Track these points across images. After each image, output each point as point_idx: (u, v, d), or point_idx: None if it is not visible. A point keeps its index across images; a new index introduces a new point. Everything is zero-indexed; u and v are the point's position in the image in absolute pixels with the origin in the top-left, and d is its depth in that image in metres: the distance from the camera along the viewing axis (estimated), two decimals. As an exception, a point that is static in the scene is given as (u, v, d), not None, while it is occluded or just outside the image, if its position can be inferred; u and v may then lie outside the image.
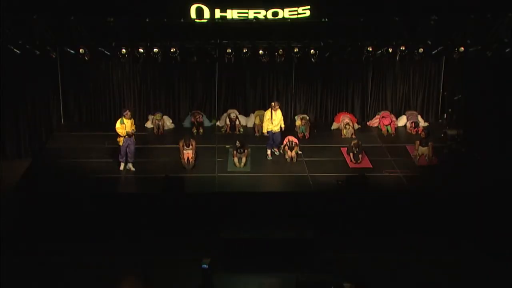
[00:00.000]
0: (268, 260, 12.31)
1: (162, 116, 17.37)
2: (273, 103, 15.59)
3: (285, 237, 12.72)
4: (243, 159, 15.07)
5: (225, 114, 17.72)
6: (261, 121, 17.38)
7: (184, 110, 18.03)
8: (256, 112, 17.71)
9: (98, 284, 11.66)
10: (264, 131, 15.87)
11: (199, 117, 17.48)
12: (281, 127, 15.55)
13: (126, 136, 14.50)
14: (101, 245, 12.76)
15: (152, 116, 17.46)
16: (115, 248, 12.74)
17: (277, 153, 15.74)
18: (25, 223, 13.10)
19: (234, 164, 15.05)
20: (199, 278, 10.15)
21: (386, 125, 17.38)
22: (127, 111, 14.62)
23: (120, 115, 14.82)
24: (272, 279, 11.81)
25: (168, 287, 11.58)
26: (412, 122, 17.47)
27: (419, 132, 16.42)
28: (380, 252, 12.75)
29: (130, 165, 14.83)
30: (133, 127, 14.72)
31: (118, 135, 14.55)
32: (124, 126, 14.43)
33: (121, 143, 14.58)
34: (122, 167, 14.80)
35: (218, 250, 12.38)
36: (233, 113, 17.46)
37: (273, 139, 15.58)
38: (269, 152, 15.60)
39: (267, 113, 15.52)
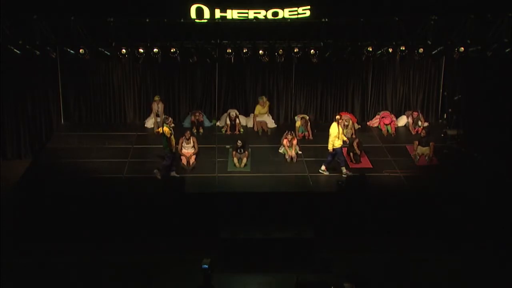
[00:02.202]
0: (268, 260, 12.31)
1: (160, 99, 17.27)
2: (338, 116, 14.83)
3: (285, 237, 12.72)
4: (244, 160, 15.07)
5: (225, 114, 17.72)
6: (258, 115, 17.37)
7: (184, 110, 18.03)
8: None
9: (98, 284, 11.66)
10: (330, 148, 14.51)
11: (200, 116, 17.46)
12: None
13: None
14: (101, 245, 12.76)
15: (151, 118, 17.44)
16: (115, 248, 12.74)
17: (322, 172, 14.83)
18: (25, 223, 13.09)
19: (234, 165, 15.05)
20: (199, 278, 10.14)
21: (386, 125, 17.38)
22: (170, 119, 14.82)
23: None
24: (272, 279, 11.81)
25: (168, 287, 11.58)
26: (413, 112, 17.43)
27: (419, 132, 16.42)
28: (380, 252, 12.76)
29: (174, 173, 14.47)
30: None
31: (170, 143, 14.10)
32: (172, 132, 14.24)
33: (174, 150, 14.27)
34: (173, 174, 14.40)
35: (218, 250, 12.38)
36: (233, 112, 17.45)
37: (337, 155, 14.58)
38: (324, 167, 14.75)
39: (334, 128, 14.43)
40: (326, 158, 14.76)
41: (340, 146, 14.53)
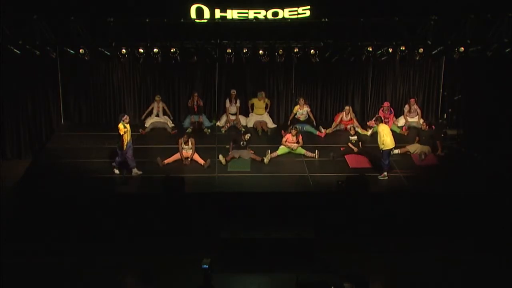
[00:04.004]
0: (268, 260, 12.31)
1: (161, 98, 17.32)
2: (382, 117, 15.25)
3: (285, 237, 12.72)
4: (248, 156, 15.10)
5: (224, 115, 17.70)
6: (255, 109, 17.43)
7: (184, 110, 18.02)
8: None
9: (98, 284, 11.66)
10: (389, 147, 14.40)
11: (199, 100, 17.30)
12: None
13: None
14: (101, 245, 12.76)
15: (151, 118, 17.44)
16: (115, 248, 12.74)
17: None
18: (25, 223, 13.09)
19: (220, 162, 15.00)
20: (199, 278, 10.14)
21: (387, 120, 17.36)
22: (126, 115, 14.40)
23: (118, 117, 14.86)
24: (272, 279, 11.80)
25: (168, 287, 11.58)
26: (410, 100, 17.48)
27: (422, 124, 16.48)
28: (380, 252, 12.76)
29: (136, 170, 14.53)
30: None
31: (122, 140, 14.16)
32: (127, 131, 14.24)
33: (124, 148, 14.25)
34: (116, 171, 14.50)
35: (218, 250, 12.38)
36: (233, 91, 17.39)
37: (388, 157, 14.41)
38: (385, 172, 14.47)
39: (387, 128, 14.55)
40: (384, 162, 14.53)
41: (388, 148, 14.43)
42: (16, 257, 12.23)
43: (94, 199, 13.50)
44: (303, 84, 18.06)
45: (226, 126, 17.39)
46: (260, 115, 17.66)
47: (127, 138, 14.21)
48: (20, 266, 11.99)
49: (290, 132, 15.69)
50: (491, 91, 15.84)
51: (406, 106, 17.67)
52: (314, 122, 17.37)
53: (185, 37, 14.67)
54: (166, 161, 15.00)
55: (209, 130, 17.22)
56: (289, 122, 17.42)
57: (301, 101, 17.29)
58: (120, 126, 14.09)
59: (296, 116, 17.44)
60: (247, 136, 15.31)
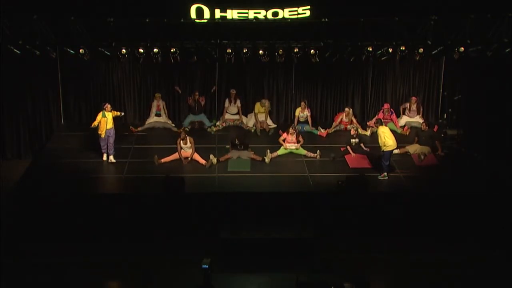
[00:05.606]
0: (268, 260, 12.31)
1: (161, 96, 17.38)
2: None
3: (285, 237, 12.72)
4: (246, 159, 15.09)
5: (223, 115, 17.70)
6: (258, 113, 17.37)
7: (184, 110, 18.02)
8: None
9: (98, 284, 11.66)
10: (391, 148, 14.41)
11: (199, 97, 17.26)
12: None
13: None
14: (101, 245, 12.76)
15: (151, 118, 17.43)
16: (115, 248, 12.74)
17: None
18: (25, 223, 13.09)
19: (211, 161, 14.96)
20: (199, 278, 10.14)
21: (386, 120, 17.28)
22: (107, 104, 15.05)
23: (118, 117, 15.36)
24: (272, 279, 11.81)
25: (168, 287, 11.58)
26: (412, 98, 17.48)
27: (422, 124, 16.45)
28: (380, 252, 12.76)
29: (111, 157, 15.04)
30: (118, 114, 15.31)
31: (98, 127, 14.86)
32: (105, 119, 14.75)
33: (102, 135, 14.84)
34: (105, 157, 15.09)
35: (218, 250, 12.38)
36: (233, 91, 17.39)
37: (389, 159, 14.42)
38: (386, 172, 14.47)
39: (387, 129, 14.55)
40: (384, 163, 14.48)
41: (391, 149, 14.41)
42: (16, 257, 12.23)
43: (94, 199, 13.49)
44: (303, 84, 18.06)
45: (221, 126, 17.35)
46: (260, 114, 17.65)
47: (105, 126, 14.77)
48: (20, 266, 11.99)
49: (288, 131, 15.65)
50: (491, 91, 15.83)
51: (407, 104, 17.66)
52: (310, 125, 17.30)
53: (185, 37, 14.67)
54: (162, 160, 14.99)
55: (214, 129, 17.19)
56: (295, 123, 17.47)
57: (303, 104, 17.27)
58: (99, 115, 14.76)
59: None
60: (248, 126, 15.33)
